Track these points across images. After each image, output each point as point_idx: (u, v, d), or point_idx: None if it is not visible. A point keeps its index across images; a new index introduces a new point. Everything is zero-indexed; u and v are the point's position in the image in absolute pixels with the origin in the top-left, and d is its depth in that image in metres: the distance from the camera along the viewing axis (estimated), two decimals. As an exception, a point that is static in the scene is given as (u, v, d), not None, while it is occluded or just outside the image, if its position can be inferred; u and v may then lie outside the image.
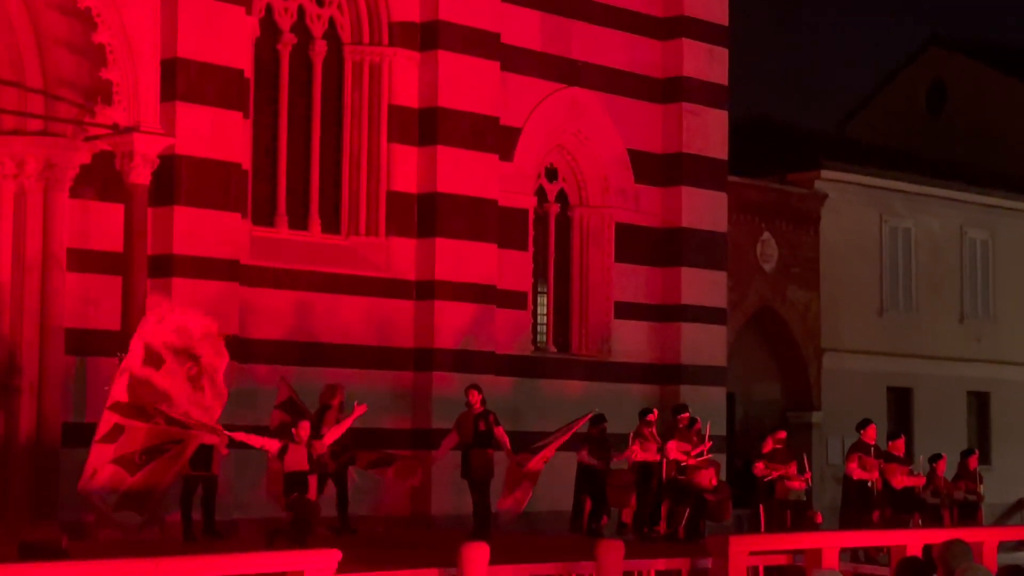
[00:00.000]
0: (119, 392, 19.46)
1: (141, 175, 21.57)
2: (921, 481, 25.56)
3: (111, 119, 21.49)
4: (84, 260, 22.40)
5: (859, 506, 24.67)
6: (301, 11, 25.87)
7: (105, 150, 21.87)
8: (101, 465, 19.33)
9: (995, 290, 39.53)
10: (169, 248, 22.82)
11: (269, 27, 25.36)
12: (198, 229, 23.02)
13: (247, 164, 24.36)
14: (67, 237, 22.20)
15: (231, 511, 22.11)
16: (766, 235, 34.07)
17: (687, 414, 24.35)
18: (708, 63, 30.87)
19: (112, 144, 21.67)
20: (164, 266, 22.72)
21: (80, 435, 21.80)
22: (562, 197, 29.74)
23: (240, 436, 19.84)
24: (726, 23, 31.28)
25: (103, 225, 22.42)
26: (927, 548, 16.87)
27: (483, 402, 22.34)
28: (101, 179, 22.32)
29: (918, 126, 47.00)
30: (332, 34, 26.24)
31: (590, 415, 23.70)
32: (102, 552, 17.38)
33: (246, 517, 22.66)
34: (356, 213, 26.14)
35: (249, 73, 24.39)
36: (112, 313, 21.86)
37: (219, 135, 23.33)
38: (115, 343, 21.54)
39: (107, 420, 19.40)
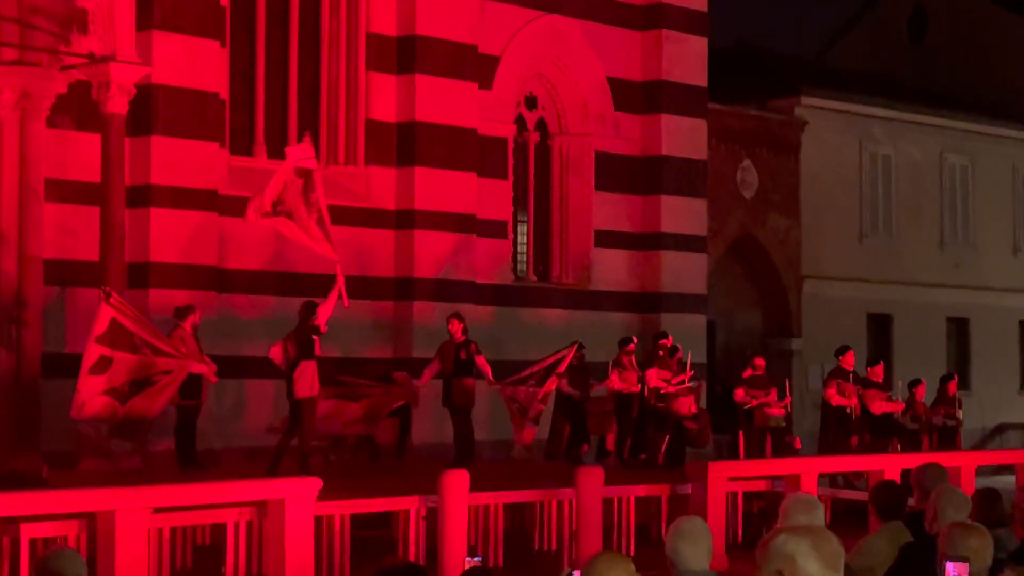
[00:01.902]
0: (102, 324, 19.51)
1: (118, 105, 21.44)
2: (900, 407, 25.68)
3: (87, 48, 21.33)
4: (61, 190, 22.31)
5: (838, 432, 24.79)
6: (277, -62, 25.72)
7: (81, 80, 21.73)
8: (91, 396, 19.44)
9: (974, 216, 39.58)
10: (147, 178, 22.77)
11: (245, -45, 25.20)
12: (176, 159, 22.96)
13: (224, 93, 24.26)
14: (44, 167, 22.09)
15: (212, 440, 22.15)
16: (746, 162, 34.03)
17: (667, 341, 24.44)
18: (687, -11, 30.75)
19: (88, 74, 21.52)
20: (142, 196, 22.67)
21: (60, 366, 21.82)
22: (542, 125, 29.67)
23: None
24: (705, -51, 31.15)
25: (80, 155, 22.33)
26: (905, 473, 16.98)
27: (464, 331, 22.36)
28: (77, 109, 22.20)
29: (899, 53, 46.86)
30: (308, -39, 26.09)
31: (575, 347, 23.71)
32: (83, 482, 17.42)
33: (228, 447, 22.72)
34: (335, 142, 26.07)
35: (225, 1, 24.24)
36: (90, 243, 21.79)
37: (196, 64, 23.23)
38: (94, 273, 21.53)
39: (93, 352, 19.47)
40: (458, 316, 22.65)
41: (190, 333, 20.67)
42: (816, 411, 27.50)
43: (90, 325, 20.28)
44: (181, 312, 20.83)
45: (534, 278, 29.35)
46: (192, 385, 20.52)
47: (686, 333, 28.21)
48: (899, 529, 10.06)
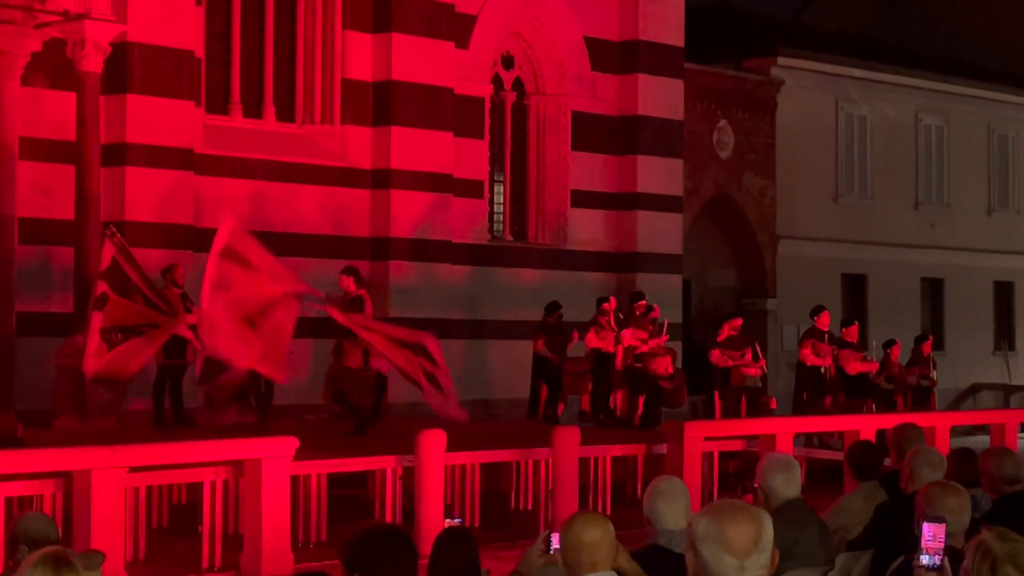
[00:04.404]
0: (105, 261, 19.62)
1: (93, 63, 21.37)
2: (874, 367, 25.78)
3: (61, 6, 21.24)
4: (36, 149, 22.22)
5: (812, 392, 24.88)
6: None
7: (56, 37, 21.64)
8: (93, 334, 19.51)
9: (949, 177, 39.63)
10: (122, 137, 22.68)
11: (221, -88, 25.03)
12: (151, 117, 22.87)
13: (200, 51, 24.13)
14: (19, 125, 21.99)
15: (187, 400, 22.12)
16: (722, 122, 34.01)
17: (643, 302, 24.46)
18: (664, -51, 30.65)
19: (63, 31, 21.43)
20: (117, 155, 22.58)
21: (35, 324, 21.79)
22: (518, 85, 29.59)
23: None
24: (682, -92, 31.04)
25: (55, 113, 22.23)
26: (880, 433, 17.07)
27: (358, 284, 21.15)
28: (52, 67, 22.10)
29: (875, 12, 46.84)
30: (284, -81, 25.92)
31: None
32: (59, 441, 17.40)
33: (202, 406, 22.67)
34: (311, 101, 25.97)
35: (201, -41, 24.11)
36: (65, 202, 21.73)
37: (171, 22, 23.11)
38: (69, 232, 21.48)
39: (97, 286, 19.59)
40: (349, 271, 21.69)
41: (176, 292, 20.68)
42: (791, 371, 27.58)
43: (66, 284, 20.28)
44: (164, 273, 20.86)
45: (510, 238, 29.32)
46: (178, 345, 20.52)
47: (662, 293, 28.26)
48: (875, 489, 10.13)
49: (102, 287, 19.67)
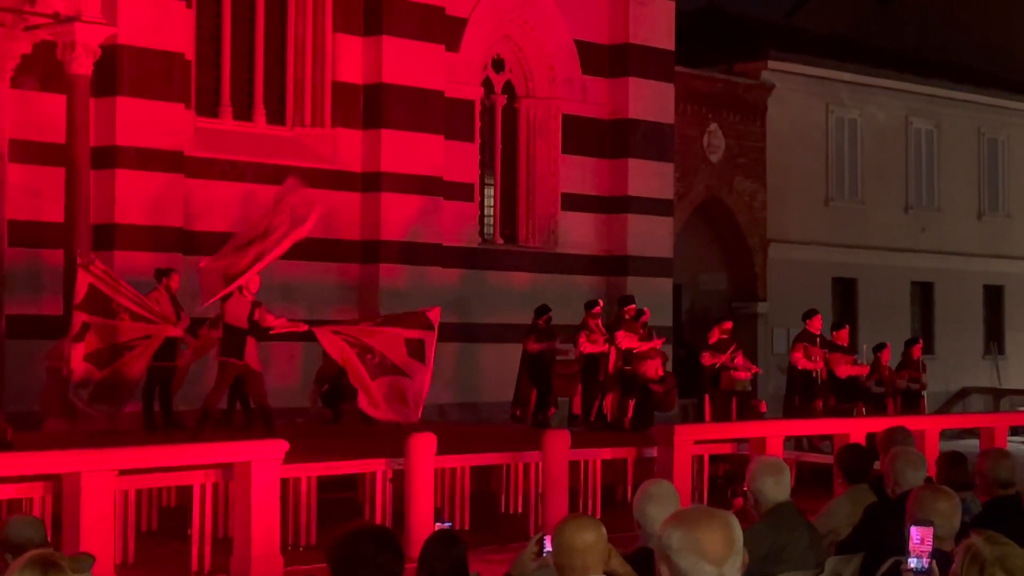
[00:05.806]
0: (81, 291, 19.49)
1: (83, 65, 21.34)
2: (865, 370, 25.79)
3: (51, 8, 21.21)
4: (26, 151, 22.19)
5: (803, 395, 24.88)
6: (244, -102, 25.53)
7: (46, 40, 21.61)
8: (77, 363, 19.44)
9: (940, 180, 39.66)
10: (112, 139, 22.65)
11: (211, -86, 25.01)
12: (141, 120, 22.85)
13: (190, 54, 24.13)
14: (9, 128, 21.97)
15: (176, 403, 22.10)
16: (713, 126, 34.01)
17: (633, 305, 24.45)
18: (655, -48, 30.65)
19: (53, 34, 21.41)
20: (107, 157, 22.56)
21: (25, 327, 21.76)
22: (509, 88, 29.59)
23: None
24: (673, -89, 31.05)
25: (45, 116, 22.20)
26: (870, 436, 17.07)
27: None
28: (42, 69, 22.08)
29: (866, 16, 46.87)
30: (275, -78, 25.91)
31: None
32: (48, 443, 17.37)
33: (192, 409, 22.63)
34: (301, 104, 25.96)
35: (191, -39, 24.09)
36: (56, 205, 21.70)
37: (161, 24, 23.10)
38: (59, 235, 21.46)
39: (76, 319, 19.47)
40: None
41: (167, 296, 20.61)
42: (781, 374, 27.59)
43: (56, 286, 20.21)
44: (159, 274, 20.81)
45: (500, 241, 29.32)
46: (167, 348, 20.47)
47: (652, 296, 28.26)
48: (864, 492, 10.12)
49: (80, 318, 19.53)
